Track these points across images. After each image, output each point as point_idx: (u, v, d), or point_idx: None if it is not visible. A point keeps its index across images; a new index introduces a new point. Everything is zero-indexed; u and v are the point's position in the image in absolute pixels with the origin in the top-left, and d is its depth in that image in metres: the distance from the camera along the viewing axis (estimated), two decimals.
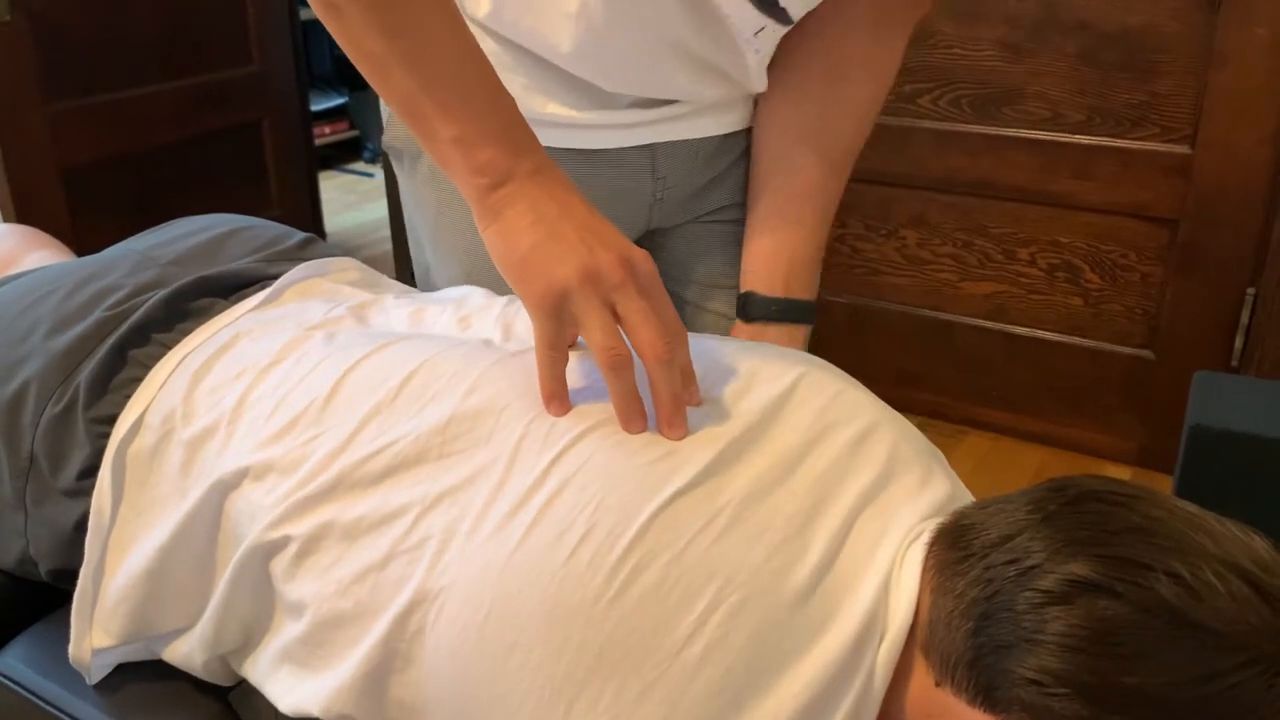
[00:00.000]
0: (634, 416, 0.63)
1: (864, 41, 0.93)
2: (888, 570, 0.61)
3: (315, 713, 0.63)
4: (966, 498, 0.71)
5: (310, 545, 0.64)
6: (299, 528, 0.64)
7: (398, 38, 0.64)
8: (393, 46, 0.65)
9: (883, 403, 0.74)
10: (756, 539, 0.59)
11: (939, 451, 0.73)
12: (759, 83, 0.94)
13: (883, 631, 0.59)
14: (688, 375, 0.66)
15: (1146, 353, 2.07)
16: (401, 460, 0.64)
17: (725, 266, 1.03)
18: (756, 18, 0.84)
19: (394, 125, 1.00)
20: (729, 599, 0.56)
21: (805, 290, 0.96)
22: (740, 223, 1.02)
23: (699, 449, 0.62)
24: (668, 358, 0.63)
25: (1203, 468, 1.37)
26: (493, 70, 0.67)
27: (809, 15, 0.91)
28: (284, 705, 0.66)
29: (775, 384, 0.69)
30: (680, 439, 0.62)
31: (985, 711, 0.56)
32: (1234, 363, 1.97)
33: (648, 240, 1.07)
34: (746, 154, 1.01)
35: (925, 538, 0.62)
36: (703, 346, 0.74)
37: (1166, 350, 2.04)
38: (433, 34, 0.64)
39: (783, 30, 0.89)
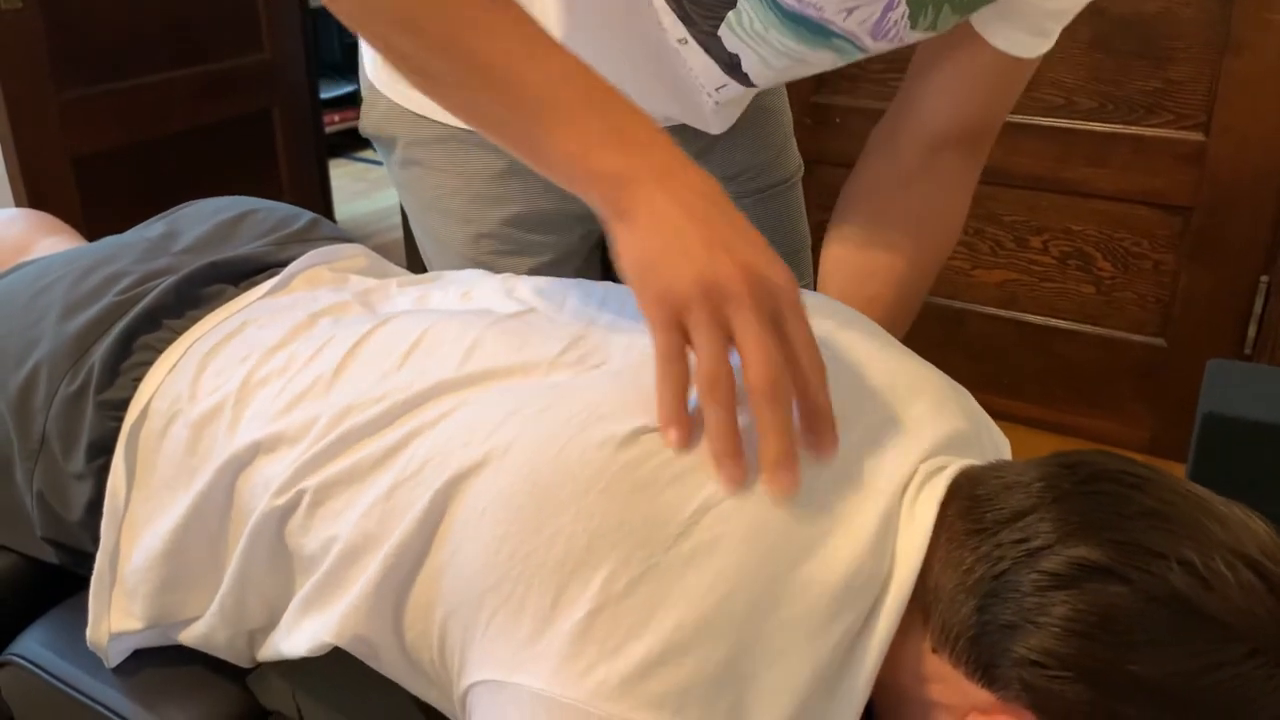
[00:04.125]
0: (725, 455, 0.56)
1: (917, 196, 0.89)
2: (891, 500, 0.60)
3: (331, 639, 0.64)
4: (984, 439, 0.71)
5: (320, 496, 0.65)
6: (308, 483, 0.66)
7: (486, 81, 0.63)
8: (482, 90, 0.63)
9: (886, 335, 0.74)
10: (752, 450, 0.58)
11: (961, 388, 0.74)
12: (716, 127, 0.92)
13: (888, 571, 0.59)
14: (819, 416, 0.58)
15: (1159, 341, 2.06)
16: (402, 407, 0.66)
17: None
18: (720, 76, 0.83)
19: (371, 113, 1.02)
20: (724, 502, 0.56)
21: None
22: (746, 196, 1.01)
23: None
24: (770, 392, 0.55)
25: (1215, 456, 1.37)
26: (593, 75, 0.62)
27: (866, 169, 0.90)
28: (303, 648, 0.67)
29: None
30: (786, 491, 0.56)
31: (982, 687, 0.56)
32: (1247, 351, 1.96)
33: None
34: (747, 120, 0.99)
35: (940, 484, 0.62)
36: None
37: (1179, 338, 2.03)
38: (514, 59, 0.62)
39: (746, 90, 0.86)
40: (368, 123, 1.02)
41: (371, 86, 1.01)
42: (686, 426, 0.57)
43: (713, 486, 0.57)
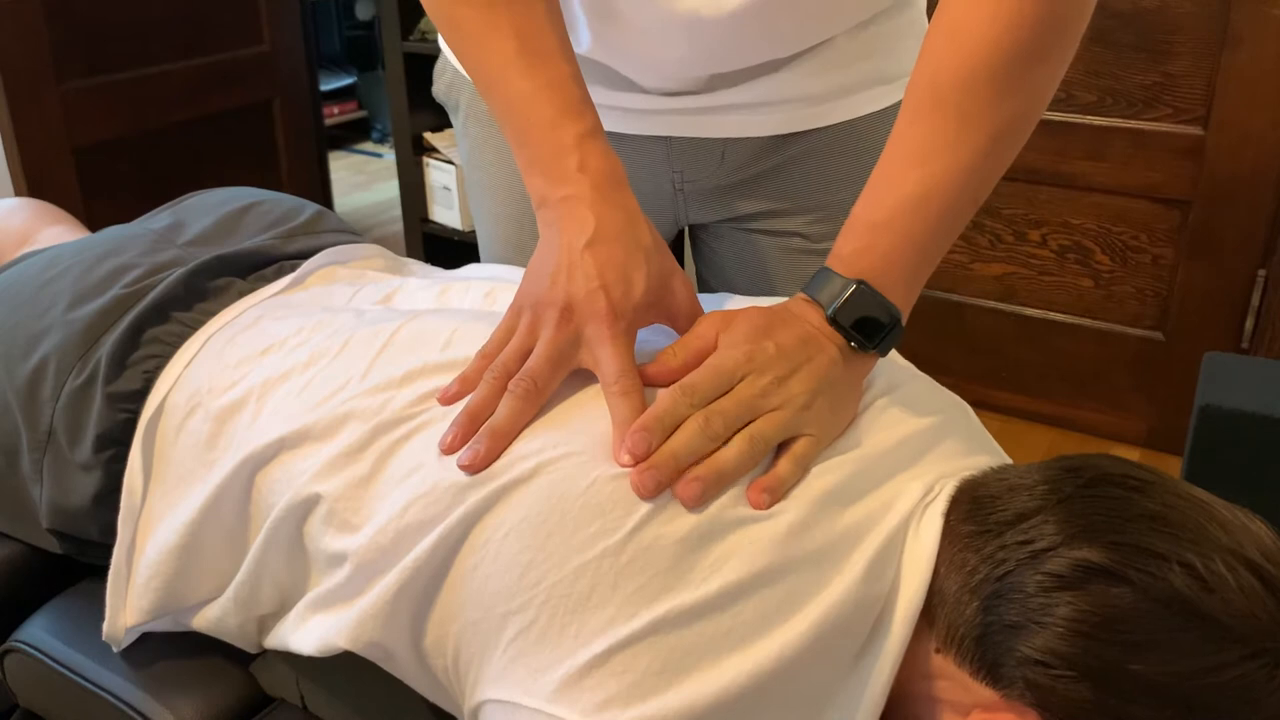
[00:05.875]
0: (458, 429, 0.63)
1: None
2: (900, 525, 0.61)
3: (344, 644, 0.64)
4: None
5: (342, 502, 0.65)
6: (330, 487, 0.65)
7: (475, 75, 0.74)
8: (477, 83, 0.75)
9: (913, 374, 0.74)
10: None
11: (962, 402, 0.74)
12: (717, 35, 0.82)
13: (891, 584, 0.60)
14: (496, 433, 0.62)
15: (1157, 334, 2.07)
16: (429, 421, 0.65)
17: (765, 279, 0.99)
18: None
19: (440, 78, 1.03)
20: (744, 548, 0.57)
21: (886, 280, 0.67)
22: (780, 235, 0.97)
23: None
24: (512, 391, 0.63)
25: (1212, 448, 1.37)
26: (556, 101, 0.70)
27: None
28: (310, 646, 0.67)
29: None
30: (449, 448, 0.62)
31: (987, 686, 0.57)
32: (1244, 344, 1.97)
33: (692, 237, 1.05)
34: (795, 162, 0.94)
35: (943, 497, 0.62)
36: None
37: (1177, 332, 2.04)
38: (495, 71, 0.72)
39: None
40: (438, 87, 1.04)
41: (443, 53, 1.02)
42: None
43: (735, 535, 0.58)
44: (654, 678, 0.54)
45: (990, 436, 0.75)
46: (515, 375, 0.63)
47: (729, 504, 0.59)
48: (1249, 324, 1.95)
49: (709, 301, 0.75)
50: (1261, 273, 1.92)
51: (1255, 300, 1.93)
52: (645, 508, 0.58)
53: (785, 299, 0.79)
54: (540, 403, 0.63)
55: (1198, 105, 1.89)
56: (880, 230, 0.67)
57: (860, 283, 0.65)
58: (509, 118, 0.71)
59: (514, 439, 0.62)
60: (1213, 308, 1.99)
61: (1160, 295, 2.04)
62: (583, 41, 0.86)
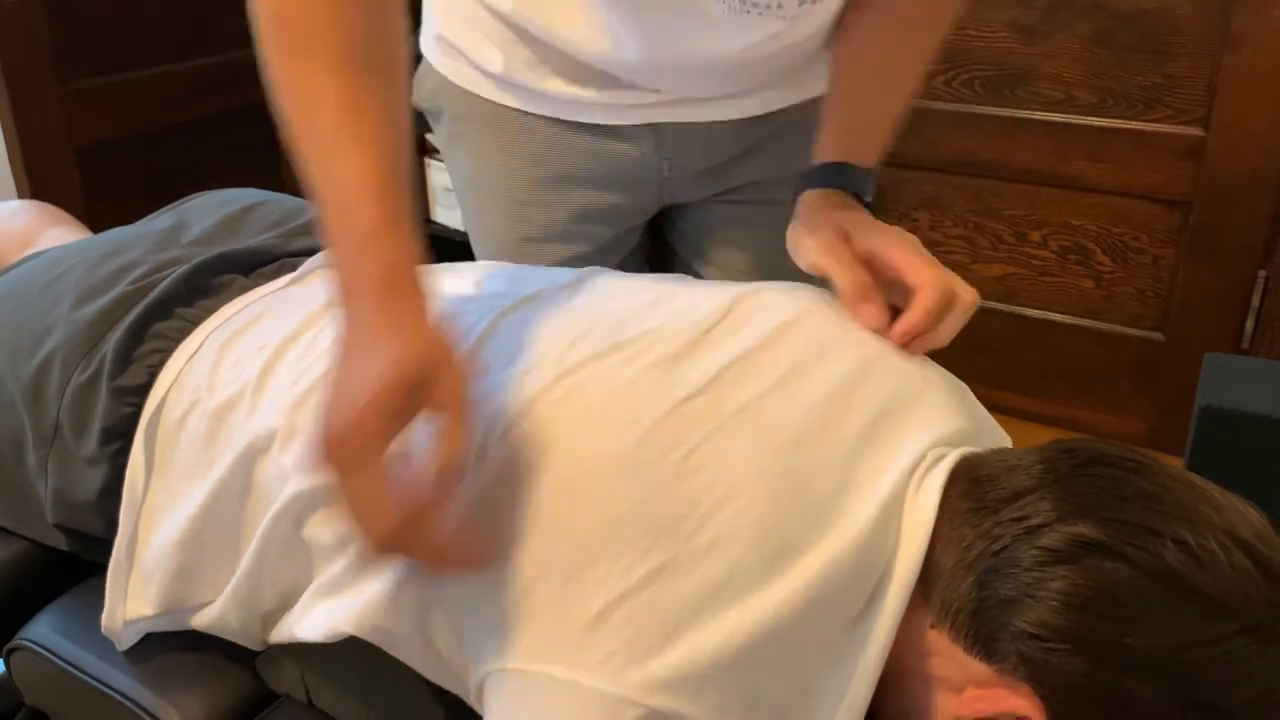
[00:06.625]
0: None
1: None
2: (895, 488, 0.62)
3: (350, 630, 0.65)
4: (984, 439, 0.72)
5: (333, 494, 0.65)
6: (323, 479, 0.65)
7: (299, 154, 0.68)
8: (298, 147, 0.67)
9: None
10: (762, 439, 0.60)
11: (964, 387, 0.75)
12: (725, 37, 0.84)
13: (891, 552, 0.60)
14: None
15: (1157, 335, 2.07)
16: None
17: (744, 251, 1.01)
18: None
19: (422, 85, 1.02)
20: (739, 498, 0.58)
21: (858, 155, 0.84)
22: (765, 204, 0.99)
23: (701, 365, 0.64)
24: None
25: (1213, 448, 1.37)
26: (365, 191, 0.64)
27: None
28: (317, 633, 0.67)
29: (780, 312, 0.70)
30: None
31: (981, 661, 0.58)
32: (1244, 345, 1.97)
33: (666, 216, 1.06)
34: (775, 136, 0.97)
35: (943, 468, 0.63)
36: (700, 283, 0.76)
37: (1177, 332, 2.04)
38: (314, 151, 0.67)
39: None
40: (419, 95, 1.02)
41: (425, 59, 1.01)
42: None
43: (727, 482, 0.58)
44: (653, 632, 0.55)
45: (982, 408, 0.75)
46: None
47: (708, 439, 0.60)
48: (1249, 325, 1.96)
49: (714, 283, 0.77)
50: (1262, 273, 1.92)
51: (1255, 301, 1.93)
52: (636, 458, 0.58)
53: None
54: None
55: (1198, 106, 1.90)
56: (860, 130, 0.84)
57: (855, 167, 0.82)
58: (316, 201, 0.66)
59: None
60: (1213, 308, 1.99)
61: (1161, 296, 2.04)
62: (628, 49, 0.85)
